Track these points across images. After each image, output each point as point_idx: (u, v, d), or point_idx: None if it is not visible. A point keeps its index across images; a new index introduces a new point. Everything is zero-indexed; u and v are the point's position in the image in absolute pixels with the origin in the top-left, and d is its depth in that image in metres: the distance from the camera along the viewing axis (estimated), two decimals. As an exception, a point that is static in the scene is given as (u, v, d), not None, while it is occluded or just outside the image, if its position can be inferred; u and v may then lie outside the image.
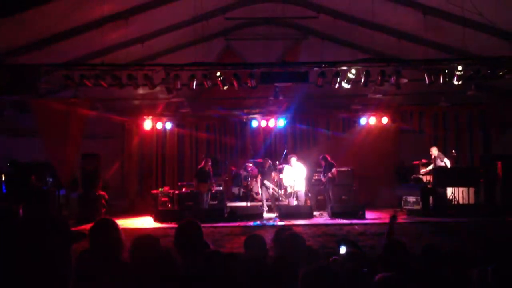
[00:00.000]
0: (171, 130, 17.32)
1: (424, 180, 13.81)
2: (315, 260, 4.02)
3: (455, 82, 11.62)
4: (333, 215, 12.48)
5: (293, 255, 4.13)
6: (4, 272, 3.45)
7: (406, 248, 4.47)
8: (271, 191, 13.98)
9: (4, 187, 13.43)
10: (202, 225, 4.47)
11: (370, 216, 12.63)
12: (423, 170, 13.90)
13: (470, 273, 3.95)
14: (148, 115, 16.77)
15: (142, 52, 12.86)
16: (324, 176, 13.87)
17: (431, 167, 13.93)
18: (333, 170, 13.61)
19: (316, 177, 14.58)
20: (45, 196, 13.17)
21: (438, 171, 13.25)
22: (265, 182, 13.91)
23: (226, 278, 3.63)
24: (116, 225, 4.03)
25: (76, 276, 3.62)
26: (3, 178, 13.48)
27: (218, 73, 11.72)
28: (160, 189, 15.12)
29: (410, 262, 4.39)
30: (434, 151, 13.99)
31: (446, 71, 11.51)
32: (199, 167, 14.21)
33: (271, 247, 4.66)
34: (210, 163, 13.90)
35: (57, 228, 3.81)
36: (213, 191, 14.01)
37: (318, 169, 14.57)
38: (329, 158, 13.98)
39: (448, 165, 13.75)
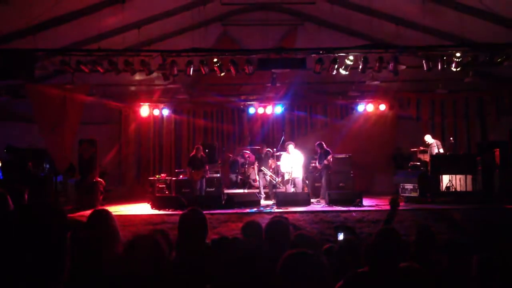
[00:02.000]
0: (168, 116, 17.29)
1: (422, 167, 13.80)
2: (312, 247, 4.01)
3: (453, 69, 11.60)
4: (330, 202, 12.48)
5: (276, 240, 4.15)
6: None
7: (399, 236, 4.44)
8: (268, 178, 13.97)
9: (1, 174, 13.38)
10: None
11: (368, 203, 12.60)
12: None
13: (467, 260, 3.94)
14: (145, 101, 16.74)
15: (139, 37, 12.76)
16: (319, 163, 13.87)
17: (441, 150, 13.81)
18: (329, 157, 13.61)
19: (313, 164, 14.56)
20: (43, 183, 13.13)
21: (436, 159, 13.24)
22: (263, 168, 13.90)
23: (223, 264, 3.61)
24: (111, 216, 3.94)
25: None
26: (0, 164, 13.42)
27: (215, 59, 11.67)
28: (157, 176, 15.11)
29: (403, 249, 4.37)
30: (429, 139, 13.98)
31: (444, 58, 11.48)
32: (191, 155, 14.23)
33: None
34: (202, 151, 13.90)
35: (53, 216, 3.77)
36: (207, 176, 14.01)
37: (315, 156, 14.55)
38: (324, 145, 13.97)
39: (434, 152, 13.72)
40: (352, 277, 3.27)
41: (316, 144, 14.21)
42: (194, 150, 14.01)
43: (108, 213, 3.96)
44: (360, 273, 3.24)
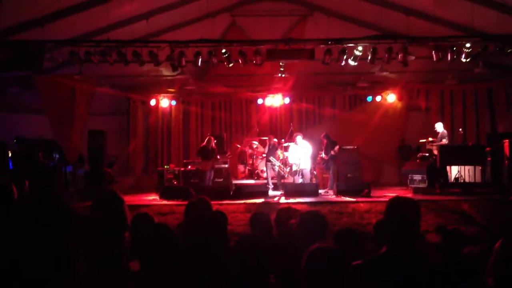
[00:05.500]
0: (176, 107, 17.32)
1: (430, 158, 13.73)
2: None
3: (463, 60, 11.52)
4: (338, 193, 12.46)
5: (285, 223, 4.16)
6: (3, 250, 3.41)
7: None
8: (276, 168, 13.96)
9: (11, 164, 13.46)
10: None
11: (376, 194, 12.60)
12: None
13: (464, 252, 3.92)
14: (153, 92, 16.76)
15: (147, 28, 12.77)
16: (326, 154, 13.85)
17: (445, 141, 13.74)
18: (335, 148, 13.58)
19: (320, 155, 14.54)
20: (52, 173, 13.20)
21: (445, 149, 13.17)
22: (271, 159, 13.89)
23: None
24: (121, 200, 3.92)
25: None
26: (10, 154, 13.50)
27: (224, 50, 11.65)
28: (165, 166, 15.16)
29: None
30: (440, 127, 13.84)
31: (454, 48, 11.39)
32: (201, 145, 14.19)
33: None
34: (212, 141, 13.87)
35: (60, 212, 3.77)
36: (215, 166, 14.03)
37: (322, 147, 14.51)
38: (330, 136, 13.94)
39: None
40: (371, 259, 3.23)
41: (322, 135, 14.17)
42: (206, 141, 13.94)
43: (116, 196, 3.93)
44: (379, 255, 3.19)
